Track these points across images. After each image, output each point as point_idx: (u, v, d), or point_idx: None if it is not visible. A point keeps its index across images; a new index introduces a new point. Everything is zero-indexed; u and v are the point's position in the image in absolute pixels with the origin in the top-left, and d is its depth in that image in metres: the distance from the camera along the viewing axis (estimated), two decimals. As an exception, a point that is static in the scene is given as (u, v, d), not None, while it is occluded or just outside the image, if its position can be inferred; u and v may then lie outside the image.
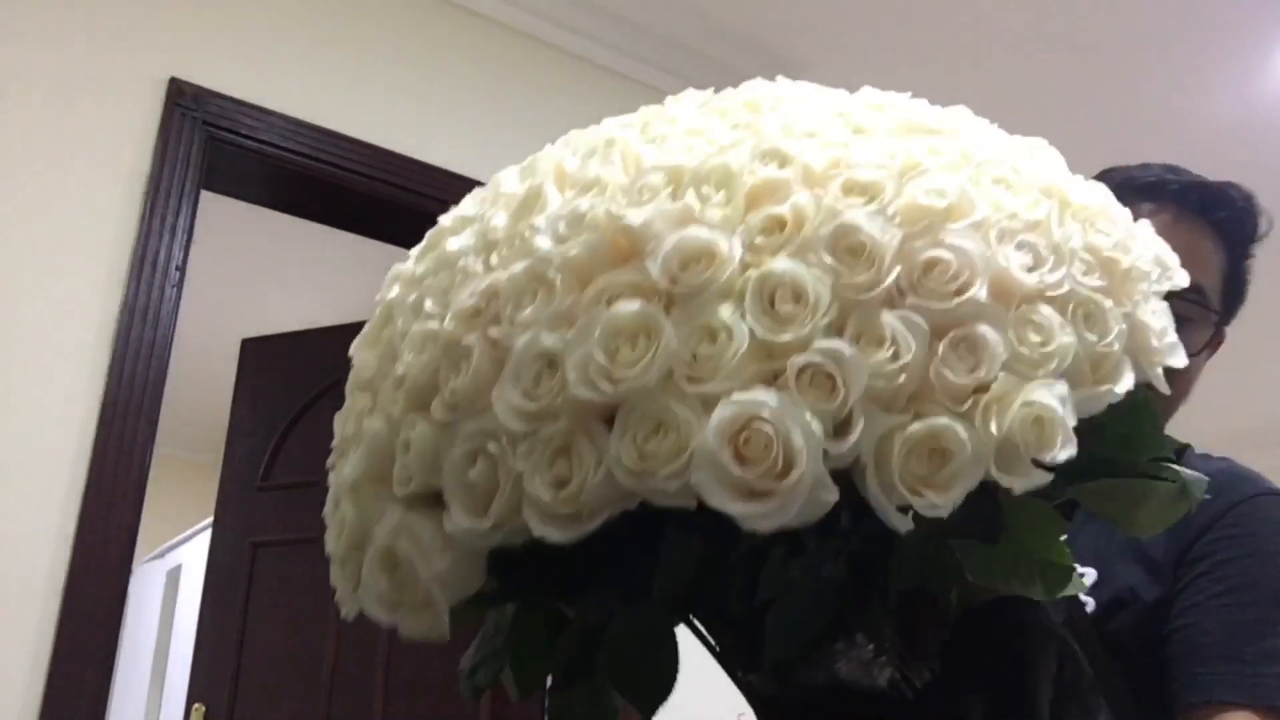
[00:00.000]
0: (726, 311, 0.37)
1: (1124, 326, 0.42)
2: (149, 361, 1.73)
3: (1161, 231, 0.79)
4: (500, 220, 0.45)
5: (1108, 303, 0.42)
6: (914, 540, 0.38)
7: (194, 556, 4.15)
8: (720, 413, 0.35)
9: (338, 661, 2.36)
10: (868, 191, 0.40)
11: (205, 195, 1.95)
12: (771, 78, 0.57)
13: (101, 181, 1.80)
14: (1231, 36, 2.58)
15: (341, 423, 0.48)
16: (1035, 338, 0.39)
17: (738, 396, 0.35)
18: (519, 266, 0.40)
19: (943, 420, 0.37)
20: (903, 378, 0.37)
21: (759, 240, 0.39)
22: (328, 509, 0.48)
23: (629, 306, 0.37)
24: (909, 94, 0.58)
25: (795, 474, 0.34)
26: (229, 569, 2.54)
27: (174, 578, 4.56)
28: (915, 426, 0.37)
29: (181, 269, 1.83)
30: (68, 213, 1.75)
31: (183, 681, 2.71)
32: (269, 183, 2.10)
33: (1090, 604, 0.88)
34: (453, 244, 0.46)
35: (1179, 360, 0.45)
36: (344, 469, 0.45)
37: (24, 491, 1.60)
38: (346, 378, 0.51)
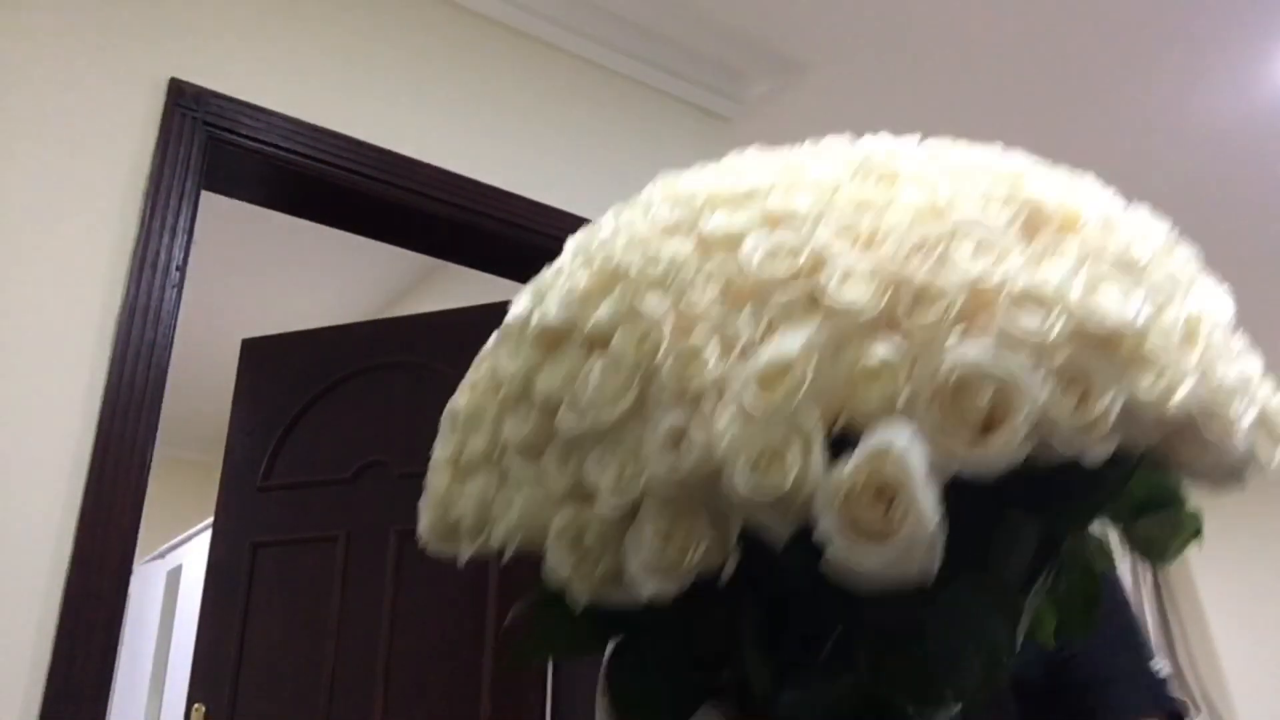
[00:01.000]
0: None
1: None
2: (149, 361, 1.73)
3: None
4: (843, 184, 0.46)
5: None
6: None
7: (194, 556, 4.15)
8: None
9: (338, 661, 2.36)
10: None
11: (205, 195, 1.95)
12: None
13: (102, 182, 1.80)
14: (1231, 36, 2.58)
15: (605, 370, 0.43)
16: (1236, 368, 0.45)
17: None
18: (954, 217, 0.43)
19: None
20: None
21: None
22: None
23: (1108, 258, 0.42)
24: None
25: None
26: (229, 569, 2.54)
27: (174, 578, 4.56)
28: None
29: (181, 269, 1.83)
30: (67, 213, 1.76)
31: (183, 681, 2.71)
32: (269, 183, 2.10)
33: None
34: (779, 202, 0.46)
35: None
36: (757, 408, 0.39)
37: (24, 491, 1.60)
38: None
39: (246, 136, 1.96)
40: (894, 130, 0.56)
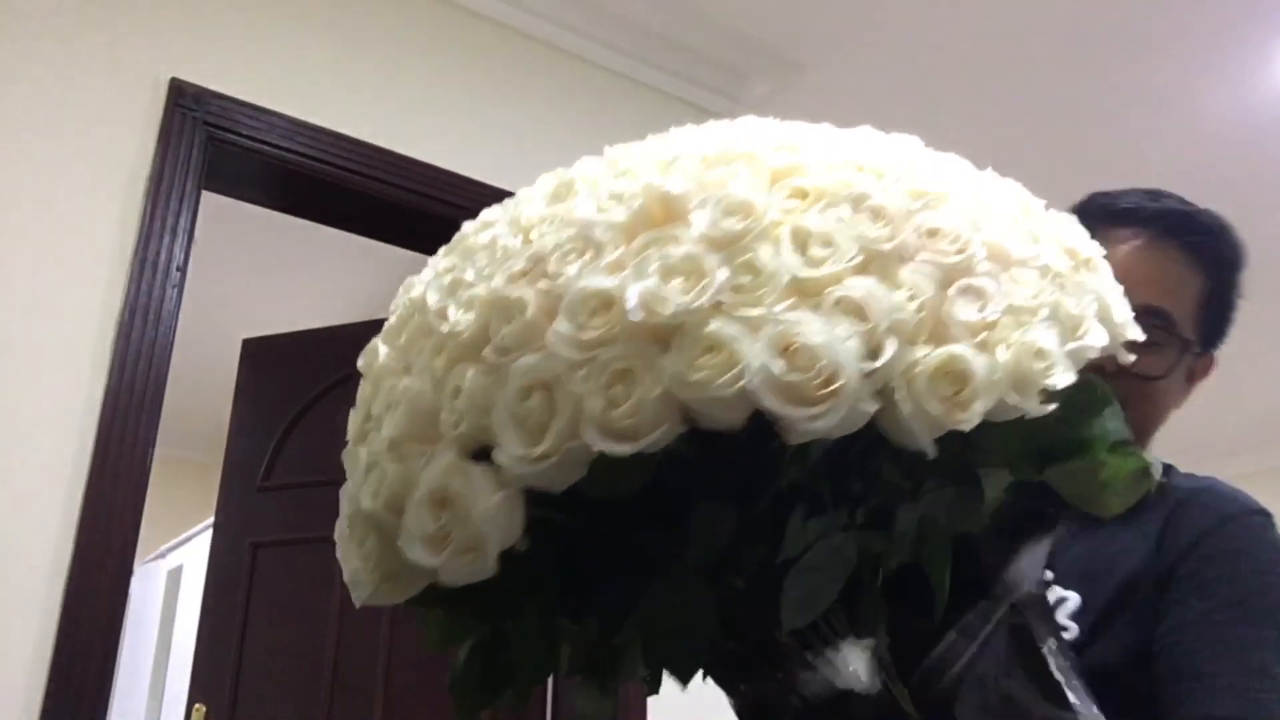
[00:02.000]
0: (767, 253, 0.43)
1: (1093, 296, 0.49)
2: (149, 361, 1.73)
3: (1134, 255, 0.85)
4: (533, 210, 0.50)
5: (1078, 277, 0.49)
6: (910, 521, 0.44)
7: (194, 556, 4.15)
8: (769, 329, 0.41)
9: (338, 662, 2.36)
10: (876, 173, 0.48)
11: (205, 195, 1.95)
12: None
13: (102, 181, 1.80)
14: (1231, 36, 2.58)
15: (363, 405, 0.54)
16: (1026, 291, 0.46)
17: (785, 316, 0.41)
18: (566, 233, 0.46)
19: (960, 347, 0.43)
20: (920, 314, 0.43)
21: (787, 204, 0.45)
22: (351, 484, 0.53)
23: (679, 249, 0.43)
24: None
25: (839, 382, 0.40)
26: (229, 569, 2.54)
27: (174, 578, 4.56)
28: (937, 352, 0.42)
29: (182, 269, 1.83)
30: (68, 213, 1.76)
31: (183, 681, 2.71)
32: (269, 183, 2.10)
33: (1073, 630, 0.87)
34: (482, 237, 0.51)
35: (1137, 334, 0.51)
36: (380, 433, 0.49)
37: (24, 491, 1.60)
38: (347, 378, 0.54)
39: (246, 136, 1.96)
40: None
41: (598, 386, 0.41)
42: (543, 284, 0.44)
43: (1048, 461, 0.47)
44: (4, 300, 1.67)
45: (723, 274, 0.42)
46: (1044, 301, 0.46)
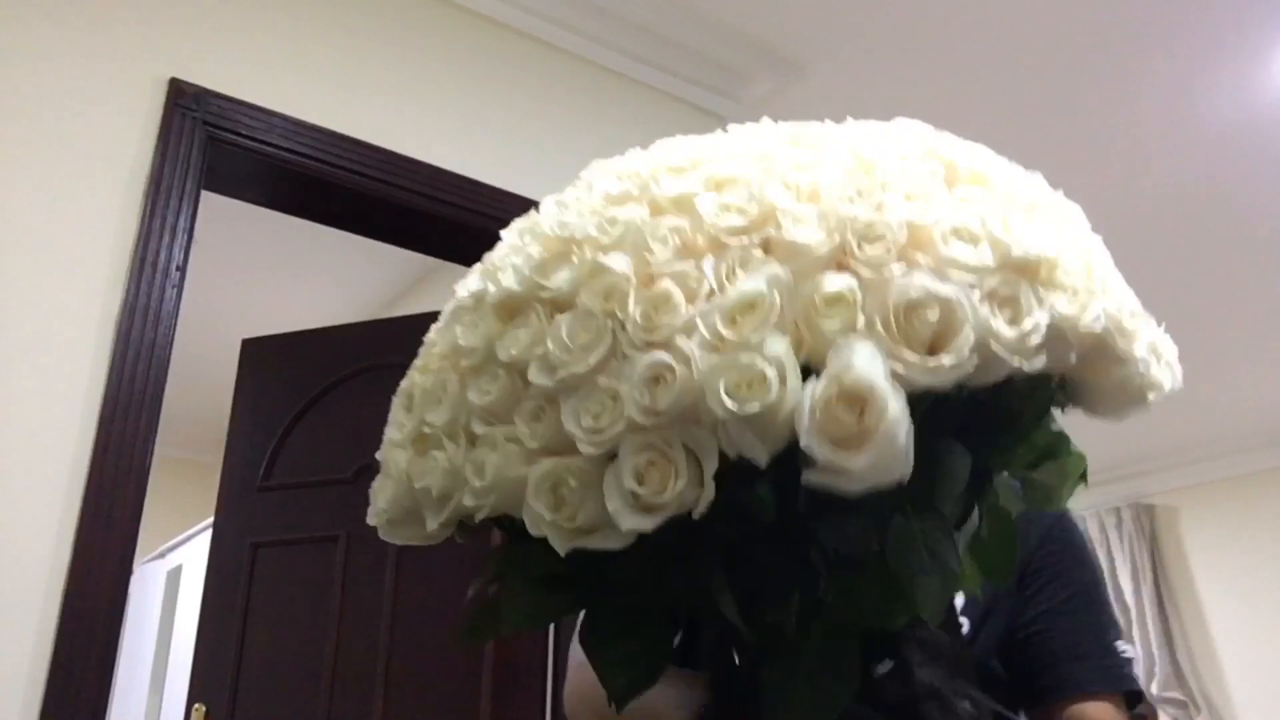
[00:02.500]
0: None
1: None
2: (149, 361, 1.73)
3: None
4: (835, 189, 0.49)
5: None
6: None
7: (194, 556, 4.15)
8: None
9: (338, 661, 2.36)
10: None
11: (205, 195, 1.95)
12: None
13: (101, 182, 1.80)
14: (1231, 37, 2.58)
15: (575, 324, 0.47)
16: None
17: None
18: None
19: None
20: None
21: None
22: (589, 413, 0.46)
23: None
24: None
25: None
26: (229, 569, 2.54)
27: (174, 578, 4.56)
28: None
29: (181, 269, 1.83)
30: (68, 213, 1.76)
31: (183, 681, 2.71)
32: (269, 183, 2.10)
33: (965, 625, 0.98)
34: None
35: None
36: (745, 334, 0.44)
37: (24, 491, 1.60)
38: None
39: (246, 136, 1.96)
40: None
41: (994, 307, 0.44)
42: (886, 211, 0.46)
43: (1040, 460, 0.51)
44: (4, 300, 1.67)
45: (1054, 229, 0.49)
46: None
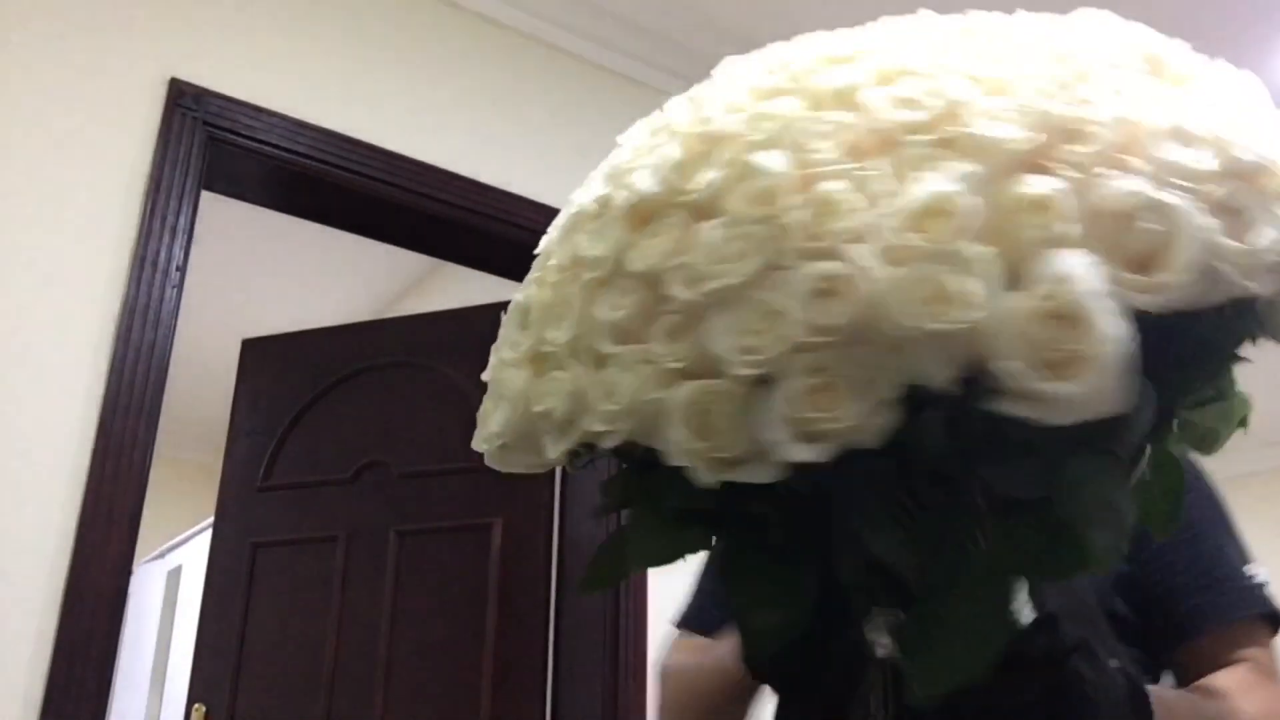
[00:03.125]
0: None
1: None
2: (149, 361, 1.73)
3: None
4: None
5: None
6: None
7: (194, 556, 4.15)
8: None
9: (338, 662, 2.36)
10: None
11: (205, 195, 1.95)
12: None
13: (101, 181, 1.80)
14: (1231, 37, 2.58)
15: (728, 230, 0.40)
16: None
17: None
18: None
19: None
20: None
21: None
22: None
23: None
24: None
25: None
26: (229, 569, 2.54)
27: (174, 578, 4.56)
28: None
29: (181, 269, 1.83)
30: (68, 213, 1.76)
31: (183, 681, 2.71)
32: (269, 183, 2.10)
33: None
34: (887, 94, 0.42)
35: None
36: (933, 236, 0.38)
37: (24, 491, 1.60)
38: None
39: (246, 136, 1.96)
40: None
41: (1221, 219, 0.37)
42: (1093, 107, 0.39)
43: (1207, 401, 0.46)
44: (4, 300, 1.67)
45: None
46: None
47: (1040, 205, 0.36)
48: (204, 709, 2.43)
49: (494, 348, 0.50)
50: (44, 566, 1.58)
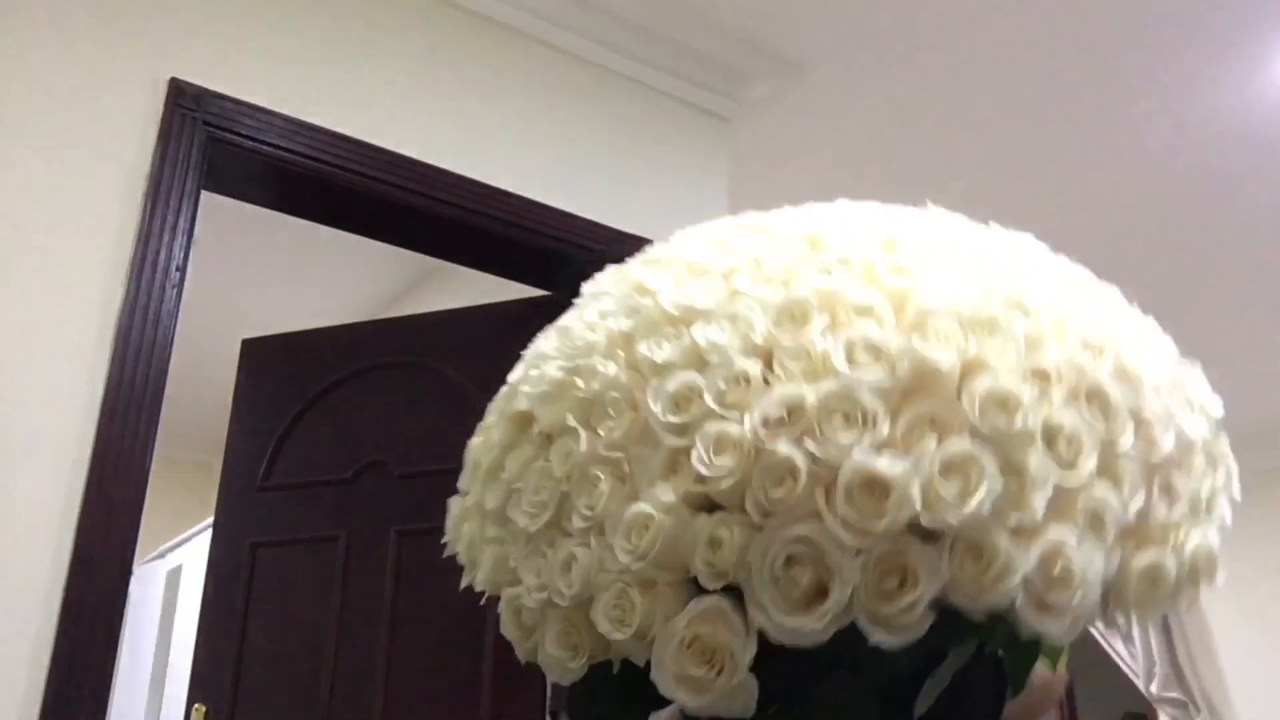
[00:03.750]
0: (1035, 456, 0.41)
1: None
2: (149, 361, 1.73)
3: None
4: (761, 324, 0.45)
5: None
6: None
7: (194, 556, 4.15)
8: (1038, 549, 0.41)
9: (338, 661, 2.36)
10: (1099, 350, 0.45)
11: (205, 195, 1.95)
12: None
13: (102, 182, 1.80)
14: (1231, 37, 2.58)
15: (547, 478, 0.47)
16: (1201, 484, 0.46)
17: (1052, 535, 0.41)
18: (826, 386, 0.42)
19: (1163, 554, 0.44)
20: (1134, 515, 0.43)
21: (1035, 390, 0.43)
22: (549, 573, 0.46)
23: (960, 444, 0.41)
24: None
25: (1080, 594, 0.41)
26: (229, 569, 2.54)
27: (174, 578, 4.56)
28: (1144, 559, 0.43)
29: (181, 269, 1.83)
30: (68, 213, 1.76)
31: (183, 681, 2.71)
32: (269, 183, 2.10)
33: None
34: (701, 333, 0.46)
35: None
36: (622, 560, 0.43)
37: (24, 491, 1.60)
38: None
39: (246, 136, 1.96)
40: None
41: (873, 578, 0.40)
42: (810, 446, 0.41)
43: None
44: (4, 300, 1.67)
45: (996, 480, 0.40)
46: (1213, 491, 0.47)
47: (717, 544, 0.42)
48: (204, 709, 2.43)
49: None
50: (44, 566, 1.58)
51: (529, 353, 0.55)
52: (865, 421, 0.41)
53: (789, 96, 2.77)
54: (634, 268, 0.54)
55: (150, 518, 1.73)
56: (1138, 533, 0.43)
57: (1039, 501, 0.41)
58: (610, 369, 0.47)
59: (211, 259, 3.07)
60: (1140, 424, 0.44)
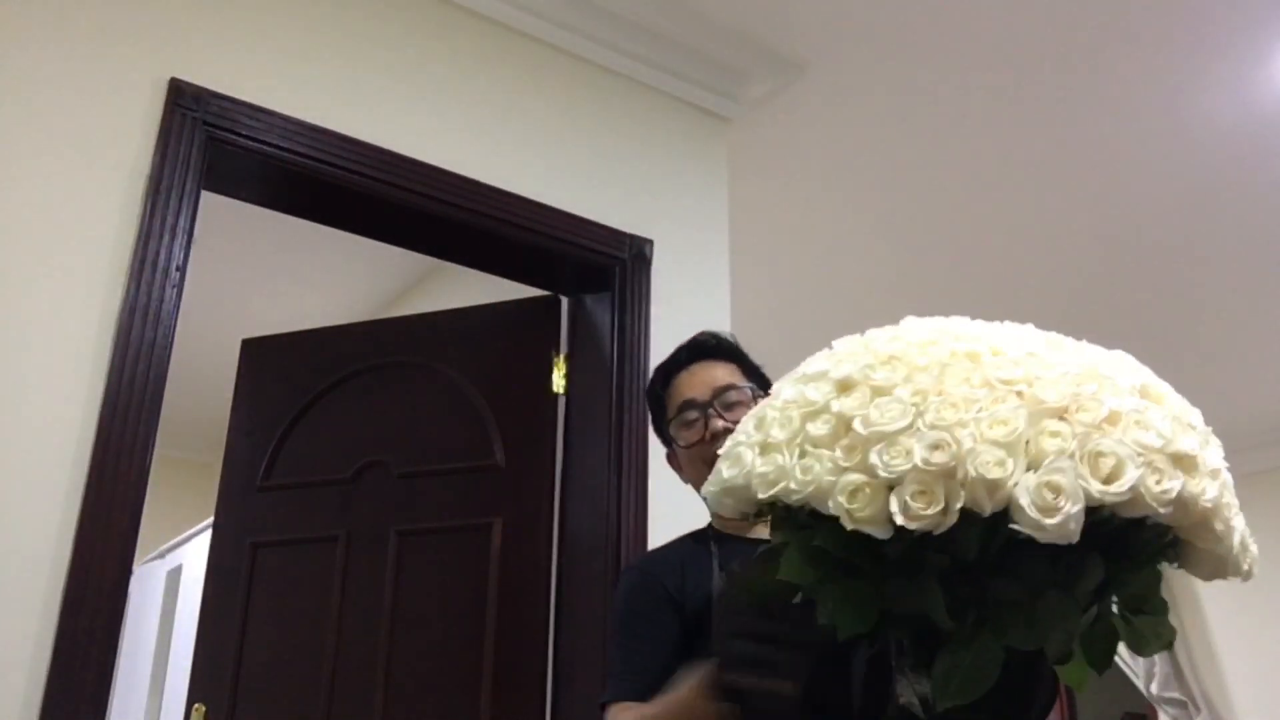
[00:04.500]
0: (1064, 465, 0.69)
1: None
2: (149, 361, 1.73)
3: (708, 367, 1.51)
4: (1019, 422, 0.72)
5: None
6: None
7: (194, 556, 4.15)
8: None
9: (338, 661, 2.36)
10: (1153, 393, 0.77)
11: (205, 195, 1.95)
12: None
13: (101, 182, 1.80)
14: (1231, 37, 2.58)
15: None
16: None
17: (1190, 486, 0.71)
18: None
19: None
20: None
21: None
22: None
23: (1056, 440, 0.69)
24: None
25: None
26: (229, 569, 2.54)
27: (174, 578, 4.56)
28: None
29: (181, 269, 1.83)
30: (68, 213, 1.76)
31: (183, 681, 2.71)
32: (269, 183, 2.10)
33: None
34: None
35: None
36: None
37: (24, 492, 1.60)
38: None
39: (246, 136, 1.96)
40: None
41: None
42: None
43: (1141, 609, 0.74)
44: (4, 300, 1.67)
45: (1133, 468, 0.67)
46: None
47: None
48: (204, 709, 2.43)
49: (732, 436, 0.82)
50: (44, 566, 1.58)
51: (820, 358, 0.81)
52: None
53: (789, 96, 2.77)
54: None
55: (150, 518, 1.73)
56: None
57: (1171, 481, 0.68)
58: (939, 353, 0.76)
59: (211, 259, 3.08)
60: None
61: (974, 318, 0.83)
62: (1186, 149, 2.98)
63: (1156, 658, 5.21)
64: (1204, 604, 5.25)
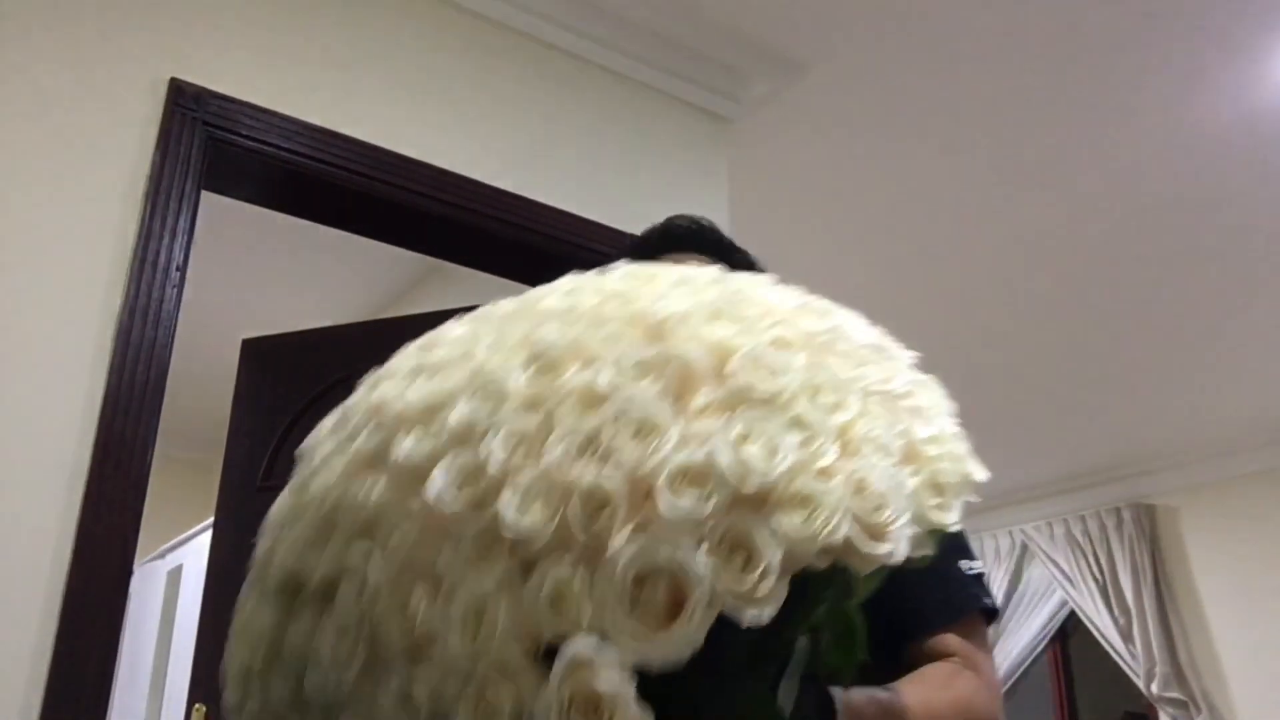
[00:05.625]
0: (807, 409, 0.47)
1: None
2: (149, 361, 1.73)
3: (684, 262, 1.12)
4: (517, 380, 0.48)
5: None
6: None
7: (194, 556, 4.15)
8: (840, 478, 0.46)
9: (338, 661, 2.35)
10: (824, 314, 0.55)
11: (205, 195, 1.95)
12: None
13: (101, 182, 1.80)
14: (1231, 37, 2.58)
15: (334, 631, 0.45)
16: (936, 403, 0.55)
17: (850, 466, 0.46)
18: (607, 409, 0.44)
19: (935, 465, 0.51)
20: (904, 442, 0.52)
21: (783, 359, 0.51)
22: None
23: (748, 413, 0.45)
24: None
25: (893, 511, 0.45)
26: (229, 569, 2.54)
27: (174, 578, 4.56)
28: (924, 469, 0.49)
29: (181, 269, 1.83)
30: (68, 213, 1.76)
31: (183, 682, 2.71)
32: (269, 183, 2.10)
33: None
34: (455, 416, 0.47)
35: None
36: (464, 656, 0.42)
37: (24, 491, 1.60)
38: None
39: (246, 136, 1.96)
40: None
41: (723, 561, 0.40)
42: (612, 463, 0.42)
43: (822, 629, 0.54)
44: (4, 300, 1.67)
45: (790, 435, 0.43)
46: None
47: (559, 596, 0.40)
48: (204, 709, 2.43)
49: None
50: (44, 566, 1.58)
51: (267, 527, 0.53)
52: (653, 428, 0.43)
53: (789, 96, 2.77)
54: (359, 397, 0.57)
55: (150, 518, 1.73)
56: (908, 452, 0.47)
57: (827, 444, 0.44)
58: (375, 488, 0.46)
59: (211, 259, 3.08)
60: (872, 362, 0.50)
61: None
62: (1186, 149, 2.98)
63: (1156, 657, 5.21)
64: (1205, 604, 5.26)
